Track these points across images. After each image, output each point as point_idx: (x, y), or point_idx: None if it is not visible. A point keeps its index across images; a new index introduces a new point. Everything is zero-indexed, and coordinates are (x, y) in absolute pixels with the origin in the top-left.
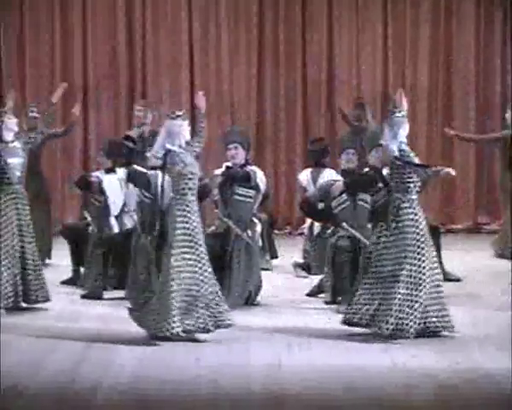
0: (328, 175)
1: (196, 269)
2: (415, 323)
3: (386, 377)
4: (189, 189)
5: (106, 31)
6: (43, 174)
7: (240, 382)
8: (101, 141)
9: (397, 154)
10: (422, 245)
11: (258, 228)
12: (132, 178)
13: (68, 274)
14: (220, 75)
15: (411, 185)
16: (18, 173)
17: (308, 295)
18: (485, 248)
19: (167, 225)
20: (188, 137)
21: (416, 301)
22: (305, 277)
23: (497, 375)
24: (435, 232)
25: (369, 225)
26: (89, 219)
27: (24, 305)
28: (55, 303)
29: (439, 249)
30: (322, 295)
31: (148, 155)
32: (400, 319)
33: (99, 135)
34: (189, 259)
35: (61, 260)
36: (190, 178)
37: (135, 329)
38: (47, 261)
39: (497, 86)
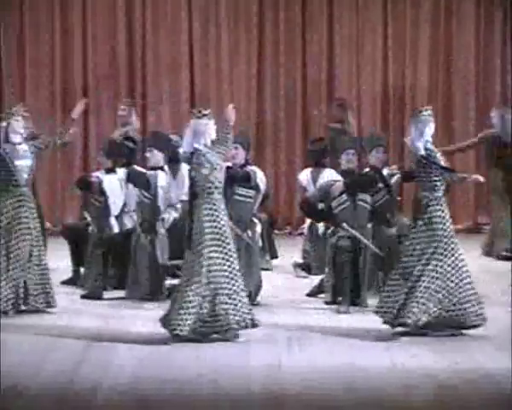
0: (329, 175)
1: (225, 267)
2: (440, 318)
3: (386, 378)
4: (216, 187)
5: (106, 31)
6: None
7: (240, 382)
8: (101, 141)
9: (423, 153)
10: (449, 242)
11: (258, 228)
12: (132, 178)
13: (68, 274)
14: (220, 75)
15: (438, 183)
16: (25, 176)
17: (308, 295)
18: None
19: (195, 224)
20: (213, 135)
21: (443, 296)
22: (305, 277)
23: (496, 375)
24: None
25: (369, 225)
26: (89, 219)
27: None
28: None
29: None
30: (322, 295)
31: (182, 153)
32: (425, 313)
33: (99, 135)
34: (217, 258)
35: (61, 260)
36: (216, 177)
37: (135, 329)
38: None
39: (497, 86)
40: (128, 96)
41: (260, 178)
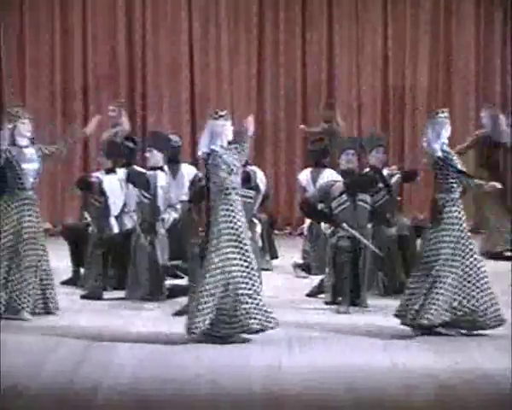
0: (329, 175)
1: (243, 268)
2: (458, 319)
3: (386, 378)
4: (233, 188)
5: (106, 31)
6: None
7: (240, 382)
8: (101, 141)
9: (440, 154)
10: (467, 243)
11: (258, 228)
12: (132, 178)
13: (68, 275)
14: (220, 75)
15: (454, 185)
16: (31, 179)
17: (308, 295)
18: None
19: (211, 225)
20: (230, 136)
21: (462, 297)
22: (304, 277)
23: (496, 375)
24: None
25: (369, 226)
26: (89, 219)
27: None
28: None
29: None
30: (322, 295)
31: (200, 154)
32: (442, 314)
33: (99, 135)
34: (234, 258)
35: (61, 260)
36: (233, 178)
37: (135, 329)
38: None
39: (497, 86)
40: (128, 96)
41: (260, 178)
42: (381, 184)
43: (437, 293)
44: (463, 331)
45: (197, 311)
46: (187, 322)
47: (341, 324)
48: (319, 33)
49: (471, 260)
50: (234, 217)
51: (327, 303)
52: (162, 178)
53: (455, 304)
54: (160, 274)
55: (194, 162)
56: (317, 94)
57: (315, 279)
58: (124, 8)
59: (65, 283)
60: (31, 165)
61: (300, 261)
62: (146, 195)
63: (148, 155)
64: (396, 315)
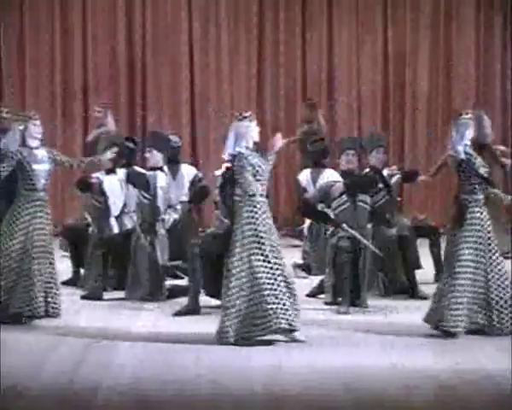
0: (329, 175)
1: (266, 270)
2: (481, 322)
3: (386, 378)
4: (257, 189)
5: (106, 31)
6: None
7: (240, 382)
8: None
9: (463, 157)
10: (489, 244)
11: None
12: (131, 179)
13: (68, 275)
14: (220, 75)
15: (477, 187)
16: (43, 181)
17: (308, 295)
18: None
19: (235, 226)
20: (256, 138)
21: (484, 300)
22: (304, 277)
23: (497, 376)
24: (435, 233)
25: (369, 226)
26: (89, 219)
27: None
28: None
29: (439, 250)
30: (322, 295)
31: (226, 156)
32: (465, 316)
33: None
34: (258, 260)
35: (61, 261)
36: (258, 180)
37: (135, 329)
38: None
39: (497, 91)
40: (128, 96)
41: None
42: (381, 185)
43: (459, 296)
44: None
45: (225, 316)
46: (217, 328)
47: (341, 324)
48: (319, 33)
49: (493, 261)
50: (257, 219)
51: (327, 304)
52: (162, 179)
53: (476, 307)
54: (159, 274)
55: (194, 163)
56: (317, 94)
57: (315, 280)
58: (124, 8)
59: (65, 283)
60: (42, 166)
61: (300, 262)
62: (146, 195)
63: (147, 155)
64: (426, 321)
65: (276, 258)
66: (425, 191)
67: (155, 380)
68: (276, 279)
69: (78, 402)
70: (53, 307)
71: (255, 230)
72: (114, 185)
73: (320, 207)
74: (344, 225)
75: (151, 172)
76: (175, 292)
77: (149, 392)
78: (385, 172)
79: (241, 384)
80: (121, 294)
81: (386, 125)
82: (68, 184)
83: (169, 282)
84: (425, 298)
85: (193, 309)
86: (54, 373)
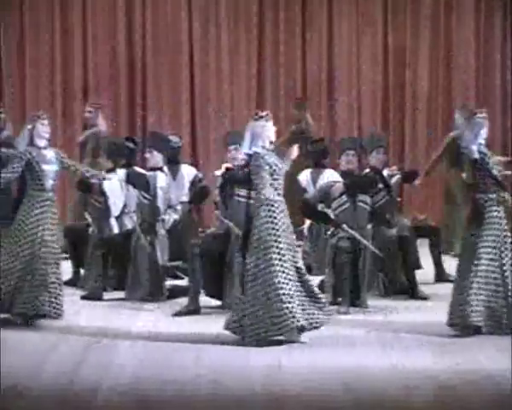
0: (329, 176)
1: (282, 269)
2: (499, 319)
3: (386, 379)
4: (275, 189)
5: (106, 31)
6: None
7: (240, 383)
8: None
9: (477, 156)
10: (506, 242)
11: None
12: (131, 179)
13: (68, 275)
14: (220, 75)
15: (492, 186)
16: (51, 181)
17: None
18: None
19: (254, 226)
20: (273, 137)
21: (502, 298)
22: None
23: (497, 376)
24: (435, 232)
25: (369, 226)
26: (89, 220)
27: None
28: None
29: (438, 250)
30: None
31: (242, 155)
32: (481, 314)
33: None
34: (274, 258)
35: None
36: (276, 179)
37: (135, 329)
38: None
39: (497, 81)
40: (128, 96)
41: None
42: (381, 185)
43: (475, 294)
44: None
45: (248, 319)
46: (235, 327)
47: (341, 324)
48: (319, 33)
49: (503, 261)
50: (275, 218)
51: None
52: (162, 179)
53: (493, 305)
54: (160, 275)
55: (194, 163)
56: (317, 94)
57: (315, 280)
58: (124, 8)
59: (65, 283)
60: (50, 166)
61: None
62: (146, 195)
63: (147, 155)
64: (450, 324)
65: (294, 257)
66: (425, 191)
67: (155, 380)
68: (291, 279)
69: (79, 402)
70: (56, 308)
71: (273, 228)
72: (114, 186)
73: (320, 207)
74: (344, 226)
75: (151, 173)
76: (175, 292)
77: (149, 392)
78: (385, 173)
79: (241, 384)
80: (121, 294)
81: (386, 126)
82: (68, 184)
83: (169, 282)
84: (425, 298)
85: (193, 309)
86: (54, 373)
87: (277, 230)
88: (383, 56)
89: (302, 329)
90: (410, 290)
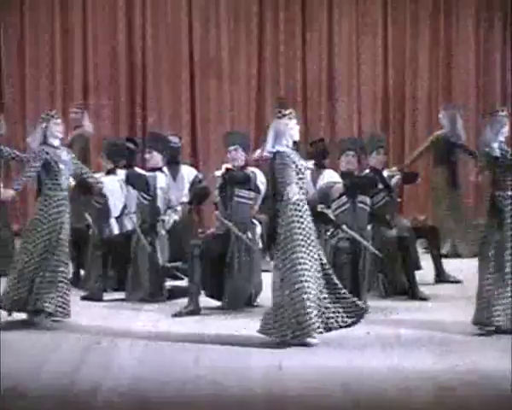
0: (329, 176)
1: (305, 266)
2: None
3: (386, 379)
4: (300, 188)
5: (106, 31)
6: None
7: (240, 383)
8: (102, 142)
9: (498, 154)
10: None
11: (259, 230)
12: (131, 180)
13: (69, 276)
14: (220, 75)
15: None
16: (66, 181)
17: None
18: None
19: (282, 225)
20: (297, 136)
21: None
22: None
23: (497, 377)
24: (434, 233)
25: (369, 227)
26: (89, 221)
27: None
28: None
29: (438, 250)
30: None
31: (265, 154)
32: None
33: (99, 137)
34: (303, 257)
35: None
36: (301, 178)
37: (135, 330)
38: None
39: (497, 81)
40: (128, 96)
41: (260, 179)
42: (380, 186)
43: (500, 295)
44: None
45: (275, 320)
46: (270, 327)
47: None
48: (319, 33)
49: None
50: (301, 217)
51: None
52: (162, 180)
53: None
54: (160, 275)
55: (194, 163)
56: (317, 94)
57: None
58: (124, 8)
59: None
60: (65, 166)
61: None
62: (145, 196)
63: (147, 156)
64: (475, 322)
65: (319, 256)
66: (425, 192)
67: (155, 380)
68: (316, 279)
69: (79, 403)
70: (63, 307)
71: (299, 228)
72: (114, 187)
73: (320, 208)
74: (344, 226)
75: (151, 173)
76: (175, 293)
77: (149, 392)
78: (385, 173)
79: (241, 385)
80: (121, 295)
81: (386, 126)
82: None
83: (169, 283)
84: (425, 299)
85: (193, 310)
86: (54, 374)
87: (303, 229)
88: (383, 56)
89: (329, 330)
90: (409, 291)
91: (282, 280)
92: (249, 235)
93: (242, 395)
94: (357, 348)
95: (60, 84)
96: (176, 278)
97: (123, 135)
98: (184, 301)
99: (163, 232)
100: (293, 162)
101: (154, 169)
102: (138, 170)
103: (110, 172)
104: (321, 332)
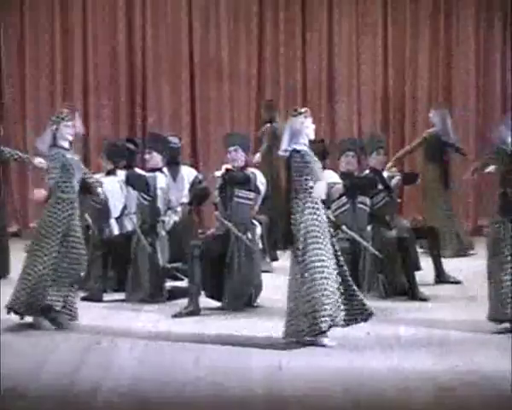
0: (329, 177)
1: (327, 264)
2: None
3: (386, 380)
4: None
5: (106, 31)
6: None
7: (240, 383)
8: (102, 143)
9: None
10: None
11: (259, 230)
12: (131, 181)
13: None
14: (220, 75)
15: None
16: (77, 184)
17: None
18: (484, 250)
19: (298, 222)
20: (312, 135)
21: None
22: None
23: (496, 377)
24: (434, 234)
25: (369, 228)
26: (89, 221)
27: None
28: None
29: (438, 251)
30: None
31: (281, 152)
32: None
33: (99, 137)
34: (321, 254)
35: None
36: (316, 176)
37: (135, 330)
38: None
39: (497, 81)
40: (128, 96)
41: (260, 180)
42: (380, 186)
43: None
44: None
45: (290, 317)
46: (284, 328)
47: None
48: (319, 33)
49: None
50: (318, 215)
51: None
52: (162, 180)
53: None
54: (160, 276)
55: (194, 164)
56: (317, 94)
57: None
58: (124, 8)
59: None
60: (77, 169)
61: None
62: (145, 197)
63: (147, 156)
64: (491, 319)
65: (336, 252)
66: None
67: (155, 381)
68: (327, 277)
69: (78, 403)
70: (69, 309)
71: (317, 226)
72: (114, 187)
73: None
74: (343, 227)
75: (151, 174)
76: (175, 294)
77: (149, 393)
78: (385, 174)
79: (242, 385)
80: (121, 295)
81: (386, 126)
82: None
83: (169, 283)
84: (425, 300)
85: (193, 310)
86: (54, 374)
87: (318, 225)
88: (383, 56)
89: (341, 325)
90: (409, 292)
91: (302, 275)
92: (249, 235)
93: (243, 395)
94: (357, 349)
95: (60, 84)
96: (176, 278)
97: (123, 135)
98: (184, 301)
99: (163, 233)
100: (315, 160)
101: (153, 170)
102: (138, 170)
103: (110, 172)
104: (338, 326)
